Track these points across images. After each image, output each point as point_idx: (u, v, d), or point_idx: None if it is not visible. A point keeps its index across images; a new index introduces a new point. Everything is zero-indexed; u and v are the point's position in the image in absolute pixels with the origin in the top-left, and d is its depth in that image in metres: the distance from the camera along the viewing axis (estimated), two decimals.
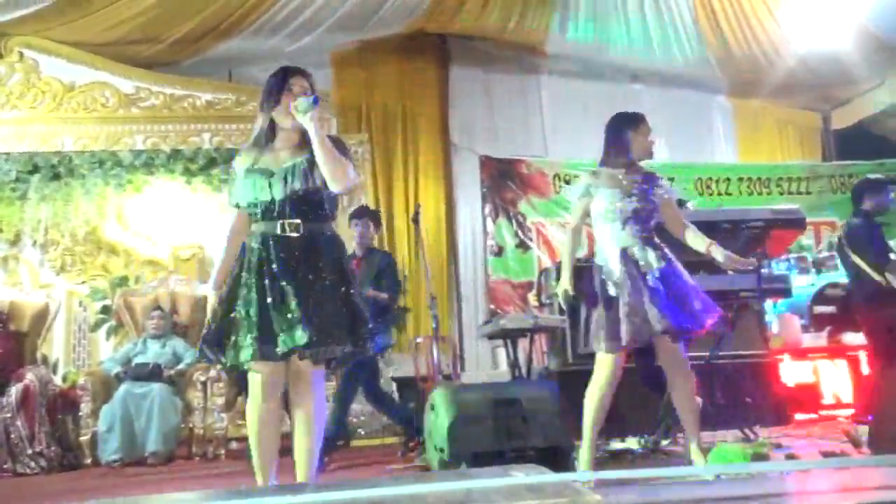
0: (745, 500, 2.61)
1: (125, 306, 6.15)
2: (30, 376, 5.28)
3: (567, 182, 7.75)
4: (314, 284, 2.59)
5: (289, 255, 2.62)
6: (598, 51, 8.14)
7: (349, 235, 4.85)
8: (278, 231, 2.65)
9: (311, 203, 2.68)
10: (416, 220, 5.38)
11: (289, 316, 2.52)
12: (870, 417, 3.87)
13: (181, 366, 5.51)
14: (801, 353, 5.70)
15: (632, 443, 4.13)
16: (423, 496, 1.87)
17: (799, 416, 5.26)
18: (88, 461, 5.24)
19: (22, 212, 6.53)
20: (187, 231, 6.68)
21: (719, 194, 8.47)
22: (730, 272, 4.64)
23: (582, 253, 4.27)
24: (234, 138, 6.86)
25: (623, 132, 3.38)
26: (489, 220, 7.98)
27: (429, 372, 5.77)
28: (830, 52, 7.84)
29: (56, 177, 6.57)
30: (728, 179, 8.59)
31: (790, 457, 3.65)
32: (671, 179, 8.10)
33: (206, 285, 3.23)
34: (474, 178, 8.09)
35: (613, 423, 4.16)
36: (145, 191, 6.72)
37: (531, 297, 7.50)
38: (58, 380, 5.91)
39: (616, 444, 4.16)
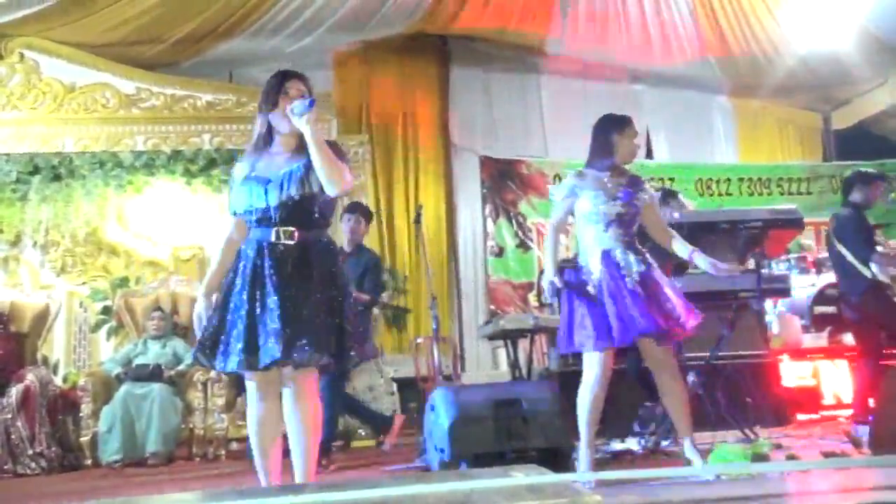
0: (745, 501, 2.61)
1: (126, 307, 6.15)
2: (30, 377, 5.28)
3: None
4: (302, 295, 2.59)
5: (281, 264, 2.63)
6: (598, 51, 8.14)
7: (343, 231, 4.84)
8: (272, 238, 2.65)
9: (306, 210, 2.68)
10: (417, 221, 5.38)
11: (272, 327, 2.54)
12: (870, 418, 3.87)
13: (181, 366, 5.51)
14: (801, 354, 5.70)
15: (632, 443, 4.13)
16: (424, 496, 1.87)
17: (799, 417, 5.26)
18: (89, 462, 5.24)
19: (22, 213, 6.53)
20: (188, 232, 6.69)
21: (720, 195, 8.47)
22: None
23: (573, 253, 4.28)
24: (234, 139, 6.86)
25: (609, 134, 3.39)
26: (489, 221, 7.99)
27: (429, 372, 5.78)
28: (831, 53, 7.84)
29: (57, 178, 6.57)
30: (728, 180, 8.59)
31: (790, 457, 3.65)
32: (671, 180, 8.19)
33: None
34: (474, 179, 8.11)
35: (614, 424, 4.19)
36: (146, 191, 6.73)
37: (531, 298, 7.52)
38: (58, 380, 5.92)
39: (616, 445, 4.15)
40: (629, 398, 4.42)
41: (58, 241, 6.54)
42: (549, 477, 2.04)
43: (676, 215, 4.73)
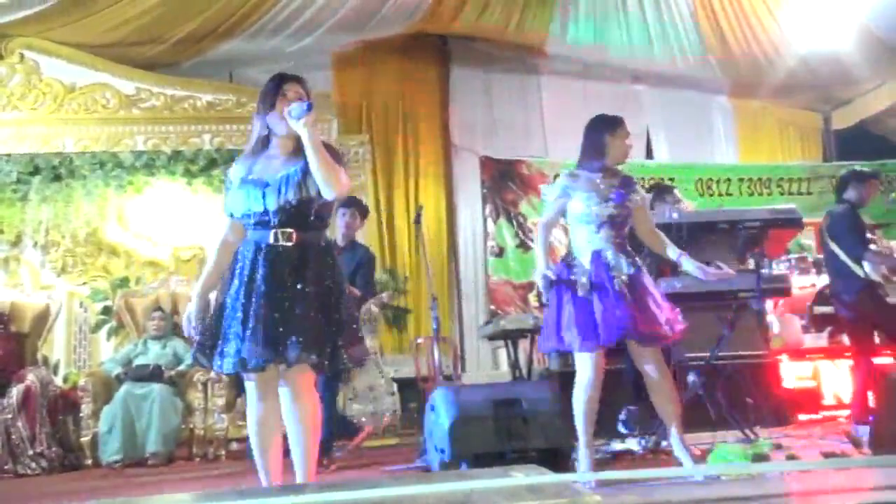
0: (745, 501, 2.61)
1: (126, 307, 6.16)
2: (31, 377, 5.29)
3: None
4: (298, 296, 2.61)
5: (278, 268, 2.64)
6: (599, 51, 8.14)
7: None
8: (271, 240, 2.67)
9: (304, 213, 2.69)
10: (417, 222, 5.38)
11: (266, 329, 2.56)
12: (870, 418, 3.87)
13: (182, 367, 5.51)
14: (801, 354, 5.70)
15: (632, 443, 4.13)
16: (424, 497, 1.87)
17: (800, 417, 5.25)
18: (89, 462, 5.25)
19: (23, 213, 6.53)
20: (188, 232, 6.69)
21: (720, 195, 8.47)
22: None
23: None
24: (234, 139, 6.86)
25: (600, 136, 3.38)
26: (490, 221, 7.99)
27: (429, 372, 5.77)
28: (831, 53, 7.84)
29: (57, 178, 6.57)
30: (729, 180, 8.59)
31: (790, 457, 3.65)
32: (671, 180, 8.19)
33: None
34: (475, 179, 8.11)
35: (601, 425, 4.18)
36: (146, 192, 6.73)
37: (532, 298, 7.52)
38: (58, 381, 5.92)
39: (616, 445, 4.15)
40: (613, 399, 4.42)
41: (58, 242, 6.54)
42: (549, 477, 2.04)
43: (675, 215, 4.72)
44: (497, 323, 5.47)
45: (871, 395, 4.32)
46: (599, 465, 3.53)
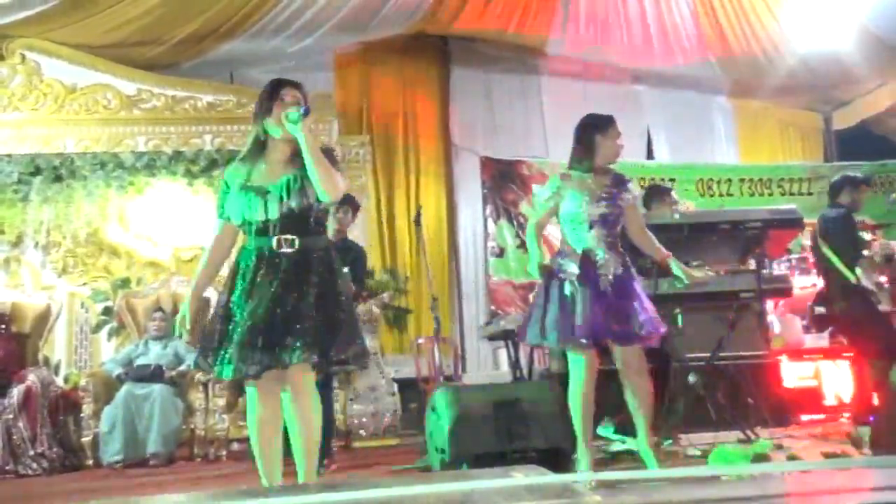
0: (745, 501, 2.61)
1: (127, 308, 6.16)
2: (31, 378, 5.29)
3: None
4: (300, 301, 2.63)
5: (281, 273, 2.66)
6: (599, 52, 8.14)
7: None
8: (273, 246, 2.68)
9: (305, 219, 2.72)
10: (417, 222, 5.39)
11: (267, 337, 2.58)
12: (871, 418, 3.88)
13: (182, 367, 5.51)
14: (802, 354, 5.69)
15: (632, 443, 4.13)
16: (424, 497, 1.87)
17: (800, 417, 5.25)
18: (90, 462, 5.26)
19: (24, 213, 6.53)
20: (189, 232, 6.69)
21: (721, 195, 8.46)
22: (730, 272, 4.66)
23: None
24: (235, 140, 6.86)
25: (591, 135, 3.39)
26: (490, 221, 7.99)
27: (430, 373, 5.78)
28: (831, 53, 7.83)
29: (58, 178, 6.57)
30: (729, 180, 8.59)
31: (791, 457, 3.65)
32: (672, 180, 8.19)
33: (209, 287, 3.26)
34: (475, 179, 8.11)
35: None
36: (147, 192, 6.73)
37: (532, 298, 7.51)
38: (59, 381, 5.92)
39: (616, 445, 4.15)
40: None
41: (59, 242, 6.54)
42: (549, 477, 2.04)
43: (677, 216, 4.73)
44: (497, 323, 5.47)
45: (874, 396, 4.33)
46: (599, 465, 3.53)
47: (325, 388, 4.57)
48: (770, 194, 8.60)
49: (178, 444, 5.39)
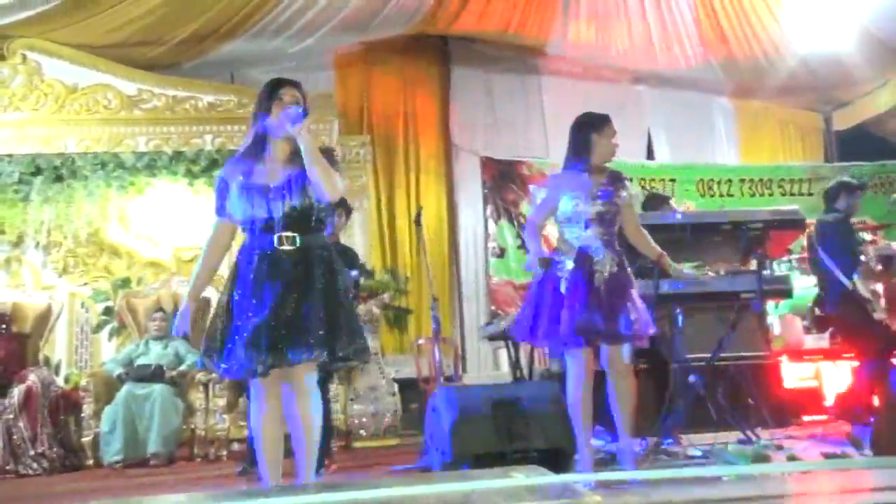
0: (746, 501, 2.61)
1: (127, 308, 6.17)
2: (32, 378, 5.30)
3: None
4: (302, 300, 2.63)
5: (283, 271, 2.66)
6: (600, 52, 8.14)
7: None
8: (275, 244, 2.69)
9: (307, 217, 2.72)
10: (418, 222, 5.39)
11: (270, 336, 2.57)
12: (871, 419, 3.87)
13: (183, 367, 5.52)
14: (802, 355, 5.69)
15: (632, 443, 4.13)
16: (425, 497, 1.87)
17: (801, 418, 5.25)
18: (90, 462, 5.26)
19: (24, 213, 6.53)
20: (189, 233, 6.68)
21: (721, 196, 8.47)
22: (731, 273, 4.66)
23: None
24: (236, 140, 6.85)
25: (586, 134, 3.40)
26: (490, 222, 7.99)
27: (430, 373, 5.78)
28: (832, 54, 7.84)
29: (58, 178, 6.57)
30: (730, 181, 8.59)
31: (791, 458, 3.65)
32: (672, 181, 8.20)
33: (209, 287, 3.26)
34: (475, 179, 8.11)
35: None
36: (147, 192, 6.73)
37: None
38: (60, 381, 5.93)
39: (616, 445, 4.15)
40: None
41: (60, 242, 6.54)
42: (549, 478, 2.04)
43: (679, 216, 4.74)
44: (498, 324, 5.47)
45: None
46: (599, 465, 3.53)
47: (322, 388, 4.58)
48: (770, 195, 8.60)
49: (178, 444, 5.40)
